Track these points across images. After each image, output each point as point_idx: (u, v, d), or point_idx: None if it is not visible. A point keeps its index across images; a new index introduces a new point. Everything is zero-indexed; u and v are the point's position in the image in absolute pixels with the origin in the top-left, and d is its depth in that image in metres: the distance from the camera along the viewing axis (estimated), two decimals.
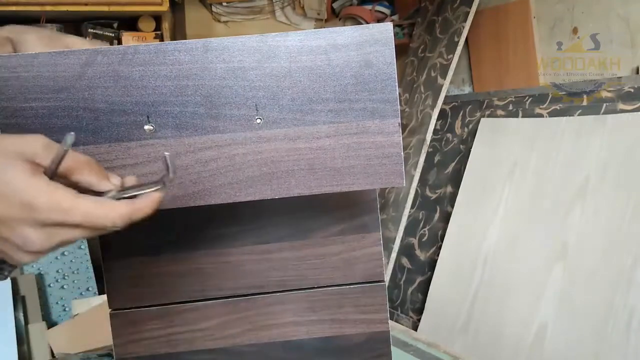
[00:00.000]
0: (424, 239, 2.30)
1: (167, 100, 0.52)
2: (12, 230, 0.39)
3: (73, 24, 2.26)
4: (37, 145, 0.40)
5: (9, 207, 0.39)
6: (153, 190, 0.44)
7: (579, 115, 1.79)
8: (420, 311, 2.12)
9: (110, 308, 0.69)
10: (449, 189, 2.25)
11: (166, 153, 0.45)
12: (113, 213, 0.41)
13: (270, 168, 0.53)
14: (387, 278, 2.31)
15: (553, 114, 1.89)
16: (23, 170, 0.39)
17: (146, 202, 0.43)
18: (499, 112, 2.11)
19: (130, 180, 0.46)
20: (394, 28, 1.36)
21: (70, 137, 0.40)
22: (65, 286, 2.00)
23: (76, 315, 1.80)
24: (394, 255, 2.25)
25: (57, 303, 1.98)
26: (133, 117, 0.52)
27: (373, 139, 0.54)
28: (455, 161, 2.26)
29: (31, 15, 2.08)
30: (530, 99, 2.00)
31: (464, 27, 2.17)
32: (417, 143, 2.26)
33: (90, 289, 2.03)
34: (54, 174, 0.41)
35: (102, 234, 0.43)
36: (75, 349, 1.64)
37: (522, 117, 2.00)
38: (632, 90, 1.67)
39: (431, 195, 2.34)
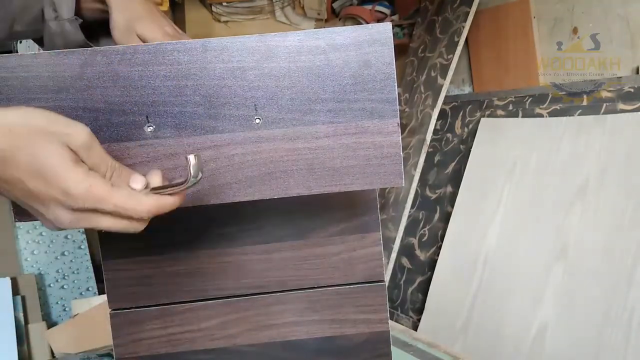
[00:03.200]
0: (424, 239, 2.30)
1: (166, 101, 0.52)
2: (47, 208, 0.43)
3: None
4: (81, 139, 0.43)
5: (49, 188, 0.42)
6: (177, 190, 0.47)
7: (579, 115, 1.79)
8: (420, 311, 2.12)
9: (110, 308, 0.69)
10: (449, 189, 2.25)
11: (190, 156, 0.46)
12: (140, 207, 0.44)
13: (270, 168, 0.53)
14: (387, 278, 2.31)
15: (553, 114, 1.89)
16: (67, 158, 0.42)
17: (171, 200, 0.47)
18: (499, 112, 2.11)
19: (156, 178, 0.48)
20: (394, 28, 1.36)
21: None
22: (65, 286, 2.00)
23: (76, 315, 1.80)
24: (394, 255, 2.25)
25: (57, 303, 1.98)
26: (132, 117, 0.52)
27: (372, 139, 0.54)
28: (455, 161, 2.26)
29: None
30: (530, 99, 2.00)
31: (464, 27, 2.17)
32: (417, 143, 2.26)
33: (90, 289, 2.03)
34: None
35: (127, 227, 0.46)
36: (75, 349, 1.64)
37: (522, 117, 2.00)
38: (632, 90, 1.66)
39: (431, 195, 2.34)
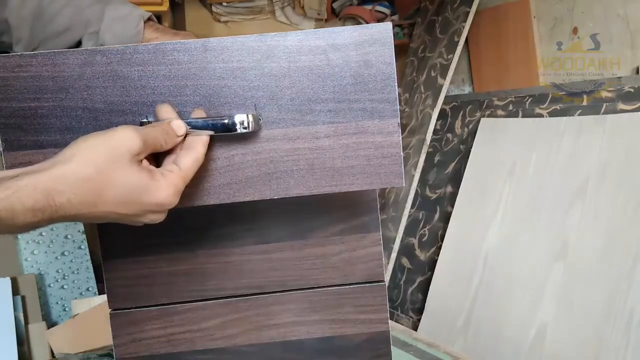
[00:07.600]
0: (424, 239, 2.30)
1: (165, 100, 0.52)
2: (142, 218, 0.47)
3: None
4: (137, 143, 0.45)
5: (142, 207, 0.46)
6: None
7: (579, 115, 1.79)
8: (420, 311, 2.12)
9: (110, 308, 0.69)
10: (449, 189, 2.24)
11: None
12: (200, 152, 0.50)
13: (270, 168, 0.53)
14: (387, 278, 2.31)
15: (553, 114, 1.89)
16: (143, 175, 0.45)
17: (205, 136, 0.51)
18: (499, 112, 2.11)
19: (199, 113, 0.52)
20: (394, 28, 1.35)
21: None
22: (65, 286, 2.00)
23: (76, 315, 1.80)
24: (394, 255, 2.25)
25: (57, 303, 1.98)
26: (132, 117, 0.52)
27: (372, 139, 0.54)
28: (455, 161, 2.26)
29: None
30: (530, 99, 2.00)
31: (464, 27, 2.17)
32: (417, 143, 2.26)
33: (90, 289, 2.03)
34: None
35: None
36: (75, 349, 1.64)
37: (522, 117, 2.00)
38: (632, 90, 1.66)
39: (431, 195, 2.34)
